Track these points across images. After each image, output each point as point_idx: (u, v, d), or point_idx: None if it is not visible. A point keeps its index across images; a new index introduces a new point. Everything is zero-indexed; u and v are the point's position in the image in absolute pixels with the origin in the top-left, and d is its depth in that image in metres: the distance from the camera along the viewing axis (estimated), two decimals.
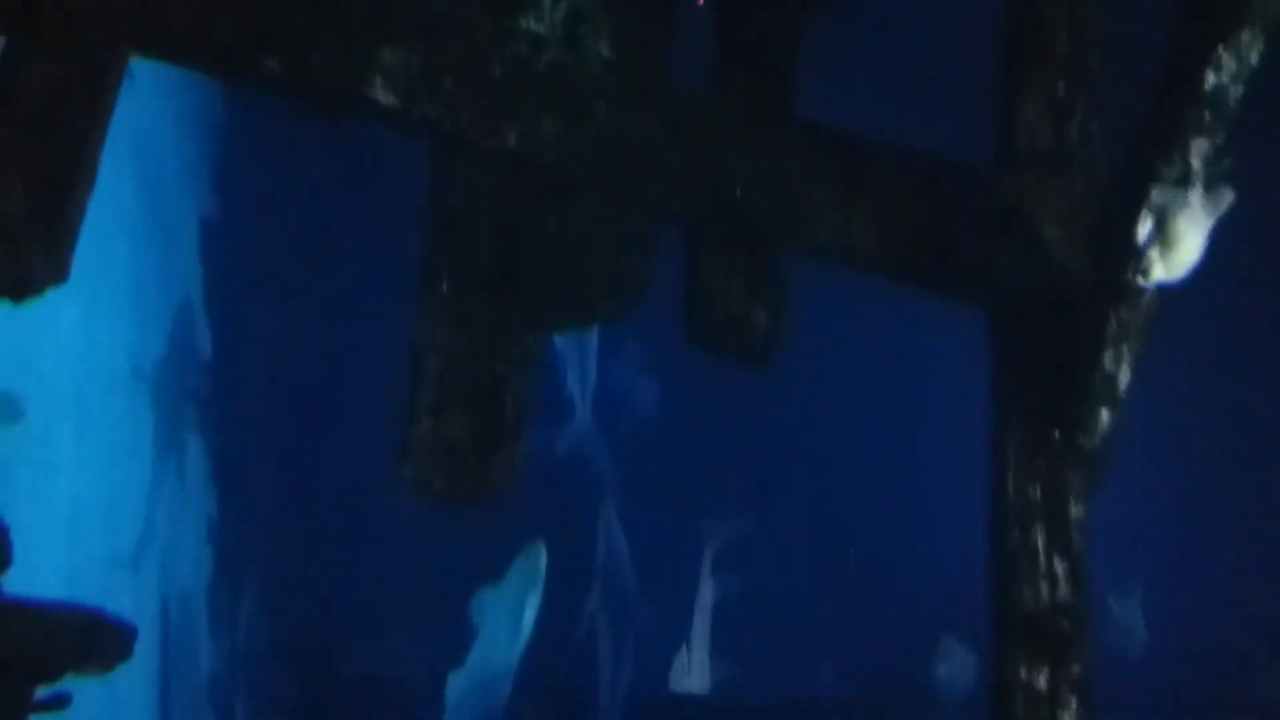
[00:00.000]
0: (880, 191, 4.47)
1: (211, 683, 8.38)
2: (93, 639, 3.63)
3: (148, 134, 8.20)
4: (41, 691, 3.54)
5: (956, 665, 7.39)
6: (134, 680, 7.51)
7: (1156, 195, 3.96)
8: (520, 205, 4.10)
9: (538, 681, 8.31)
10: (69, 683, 3.57)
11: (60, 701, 3.59)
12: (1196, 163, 4.07)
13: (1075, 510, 5.25)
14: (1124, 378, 4.64)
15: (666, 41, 4.37)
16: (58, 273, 3.39)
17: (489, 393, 4.33)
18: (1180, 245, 3.99)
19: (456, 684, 7.48)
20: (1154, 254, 3.96)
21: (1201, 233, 4.03)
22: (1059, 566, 5.33)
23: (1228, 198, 4.07)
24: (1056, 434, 5.04)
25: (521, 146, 3.92)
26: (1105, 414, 4.83)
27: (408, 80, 3.80)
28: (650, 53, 4.24)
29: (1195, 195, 3.98)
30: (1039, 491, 5.24)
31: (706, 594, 8.25)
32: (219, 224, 8.23)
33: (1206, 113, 4.20)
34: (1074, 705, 5.33)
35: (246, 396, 8.35)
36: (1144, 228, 4.01)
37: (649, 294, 4.79)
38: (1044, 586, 5.32)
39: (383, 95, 3.78)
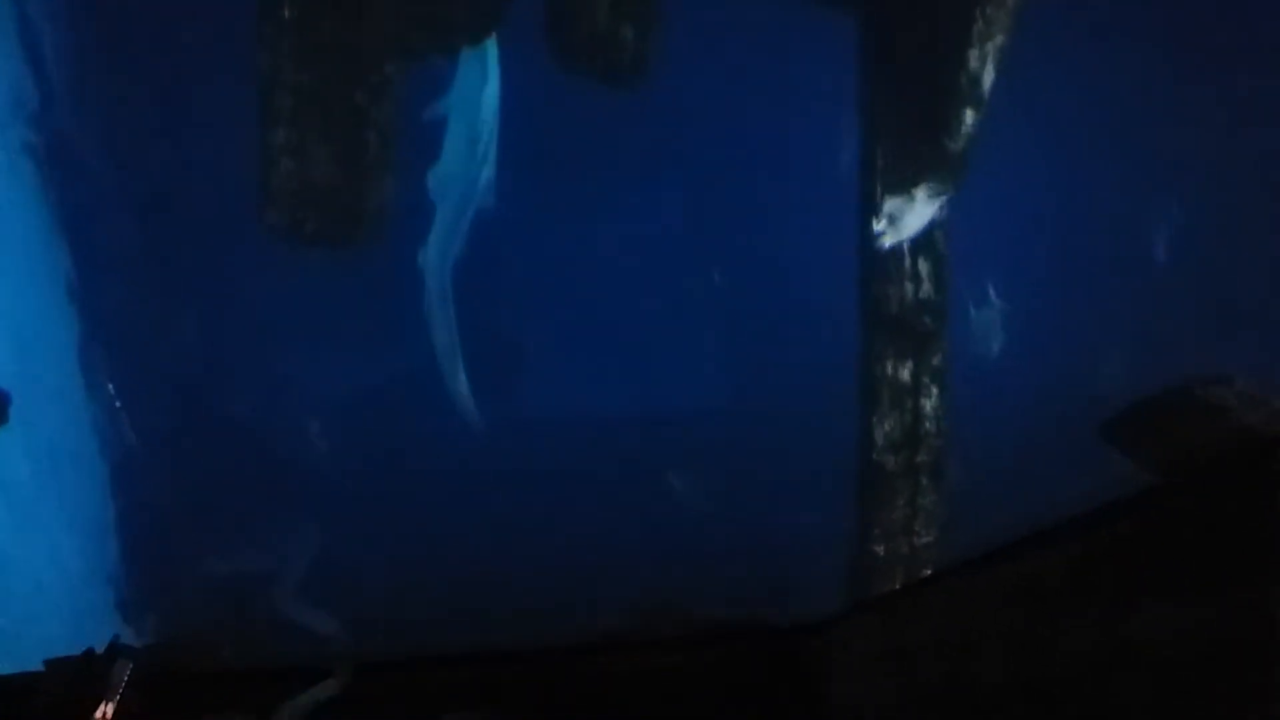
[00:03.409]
0: None
1: (98, 435, 8.34)
2: None
3: None
4: None
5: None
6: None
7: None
8: None
9: None
10: None
11: None
12: None
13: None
14: (988, 77, 4.65)
15: None
16: None
17: (350, 126, 4.14)
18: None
19: None
20: None
21: None
22: (922, 266, 5.52)
23: None
24: (921, 135, 5.08)
25: None
26: (969, 115, 4.86)
27: None
28: None
29: None
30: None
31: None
32: None
33: None
34: (934, 394, 5.67)
35: (86, 145, 7.83)
36: None
37: (509, 14, 4.55)
38: (909, 286, 5.52)
39: None
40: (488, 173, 6.66)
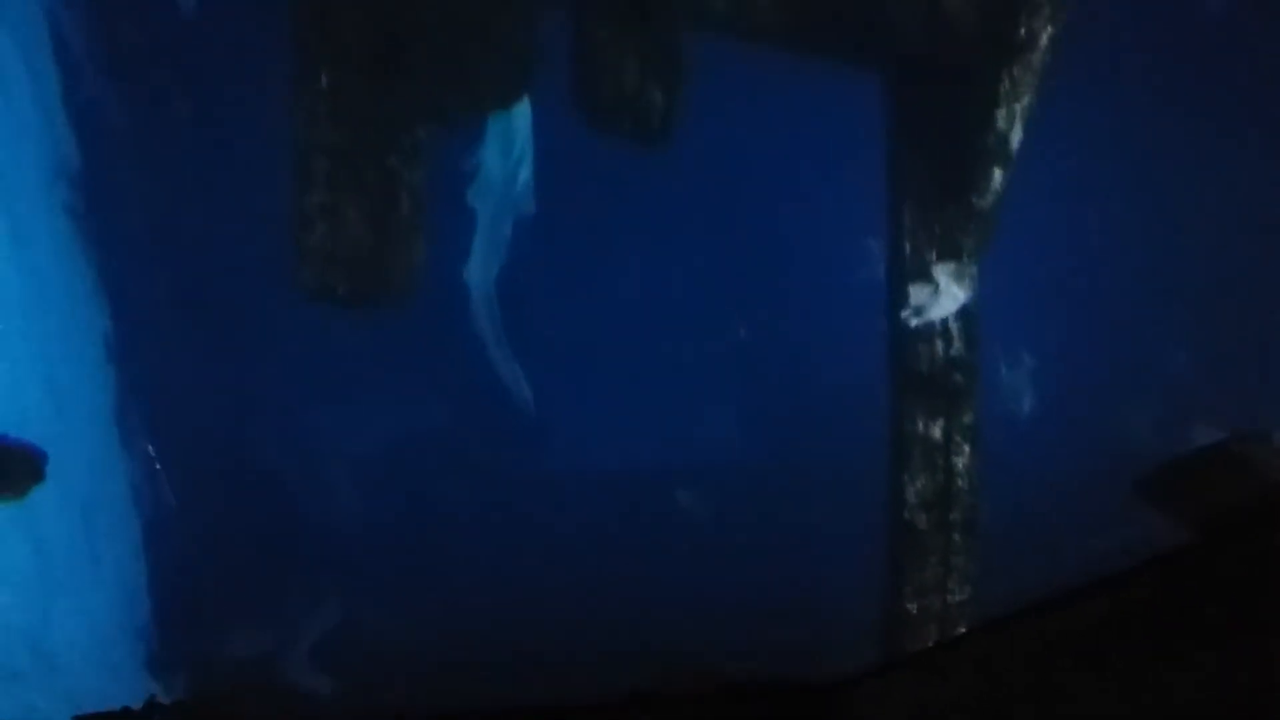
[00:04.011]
0: None
1: (133, 493, 8.43)
2: (2, 464, 3.58)
3: None
4: None
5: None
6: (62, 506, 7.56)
7: None
8: None
9: None
10: None
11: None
12: None
13: (969, 269, 5.40)
14: (1016, 136, 4.69)
15: None
16: None
17: (382, 189, 4.21)
18: None
19: None
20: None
21: None
22: (953, 324, 5.53)
23: None
24: (950, 195, 5.11)
25: None
26: (998, 173, 4.90)
27: None
28: None
29: None
30: (934, 253, 5.35)
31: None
32: (74, 26, 7.68)
33: None
34: (966, 451, 5.63)
35: (126, 205, 8.02)
36: None
37: (538, 78, 4.64)
38: (939, 343, 5.52)
39: None
40: (525, 174, 6.61)
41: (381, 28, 3.88)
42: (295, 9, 4.09)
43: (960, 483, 5.62)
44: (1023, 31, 4.15)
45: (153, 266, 8.07)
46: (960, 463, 5.65)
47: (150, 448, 8.16)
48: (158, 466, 8.12)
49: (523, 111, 5.70)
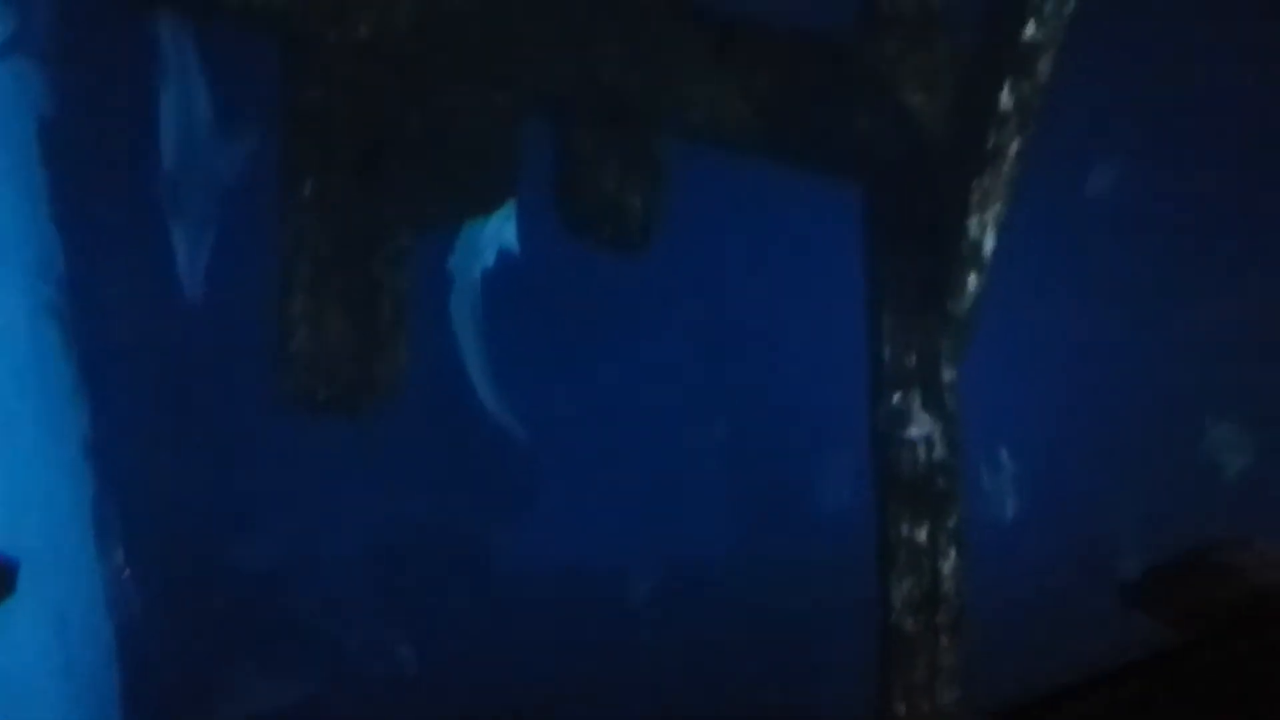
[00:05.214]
0: (750, 67, 4.44)
1: (107, 600, 8.30)
2: None
3: None
4: None
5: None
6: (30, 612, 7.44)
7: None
8: (379, 97, 3.96)
9: None
10: None
11: None
12: (1048, 24, 4.12)
13: (948, 374, 5.45)
14: (989, 243, 4.77)
15: None
16: None
17: (365, 295, 4.24)
18: None
19: None
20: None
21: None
22: (935, 427, 5.55)
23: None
24: (928, 300, 5.17)
25: (374, 37, 3.76)
26: (973, 278, 4.97)
27: None
28: None
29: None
30: (914, 358, 5.40)
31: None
32: (62, 128, 7.81)
33: None
34: (952, 555, 5.61)
35: (110, 305, 8.06)
36: (1005, 94, 4.08)
37: (519, 183, 4.72)
38: (921, 447, 5.54)
39: None
40: (499, 268, 6.59)
41: (367, 136, 3.96)
42: (282, 118, 4.16)
43: (947, 586, 5.59)
44: (991, 144, 4.26)
45: (134, 369, 8.07)
46: (946, 566, 5.62)
47: (120, 554, 8.06)
48: (126, 574, 8.01)
49: (504, 215, 5.79)
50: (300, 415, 4.59)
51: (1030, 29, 4.02)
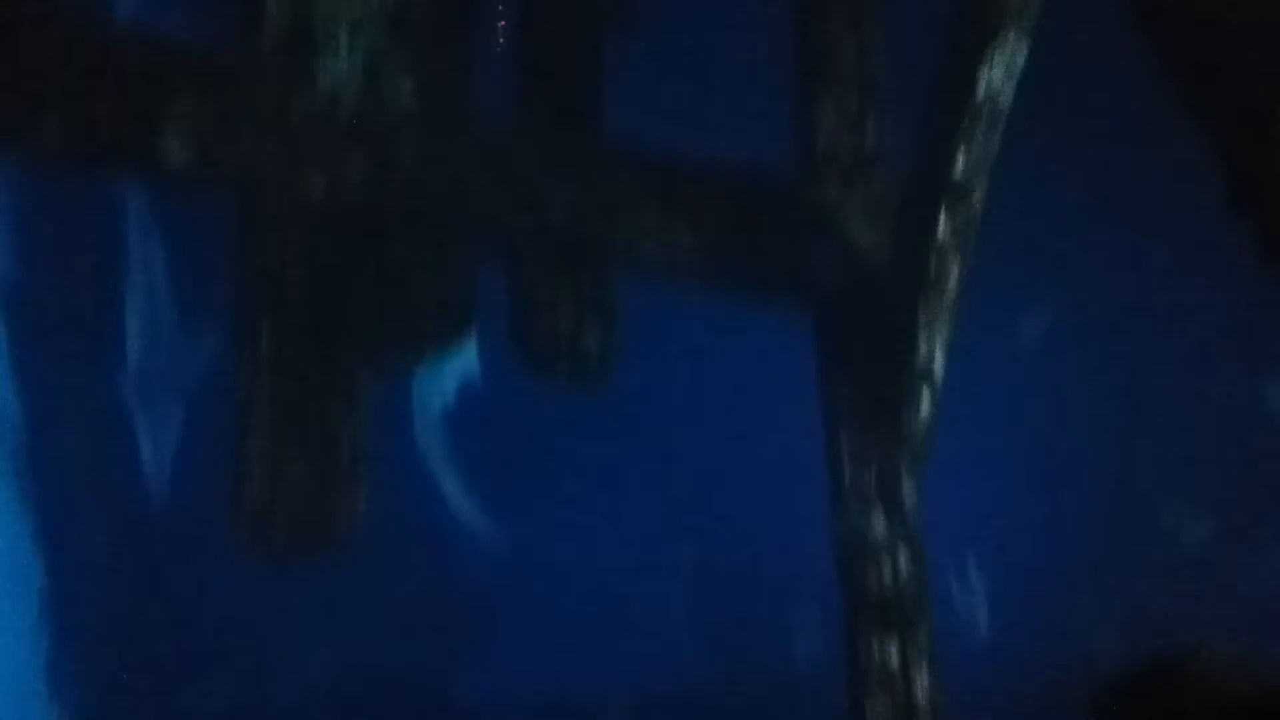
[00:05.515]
0: (695, 205, 4.58)
1: None
2: None
3: None
4: None
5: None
6: None
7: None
8: (334, 251, 4.03)
9: None
10: None
11: None
12: (977, 159, 4.31)
13: (909, 489, 5.50)
14: (939, 362, 4.87)
15: (469, 74, 4.36)
16: None
17: (322, 440, 4.25)
18: None
19: None
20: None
21: None
22: (898, 543, 5.57)
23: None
24: (883, 419, 5.25)
25: (328, 194, 3.85)
26: (926, 395, 5.06)
27: (201, 131, 3.69)
28: (453, 86, 4.23)
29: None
30: (873, 476, 5.45)
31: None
32: (16, 279, 7.82)
33: (983, 111, 4.45)
34: (924, 675, 5.58)
35: (67, 462, 7.98)
36: (942, 222, 4.24)
37: (474, 324, 4.78)
38: (885, 564, 5.55)
39: (177, 149, 3.65)
40: (456, 409, 6.61)
41: (322, 292, 4.02)
42: (236, 268, 4.22)
43: (920, 702, 5.55)
44: (932, 272, 4.40)
45: (90, 523, 7.96)
46: (919, 682, 5.58)
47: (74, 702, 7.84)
48: None
49: (461, 356, 5.86)
50: (256, 562, 4.55)
51: (960, 165, 4.19)
